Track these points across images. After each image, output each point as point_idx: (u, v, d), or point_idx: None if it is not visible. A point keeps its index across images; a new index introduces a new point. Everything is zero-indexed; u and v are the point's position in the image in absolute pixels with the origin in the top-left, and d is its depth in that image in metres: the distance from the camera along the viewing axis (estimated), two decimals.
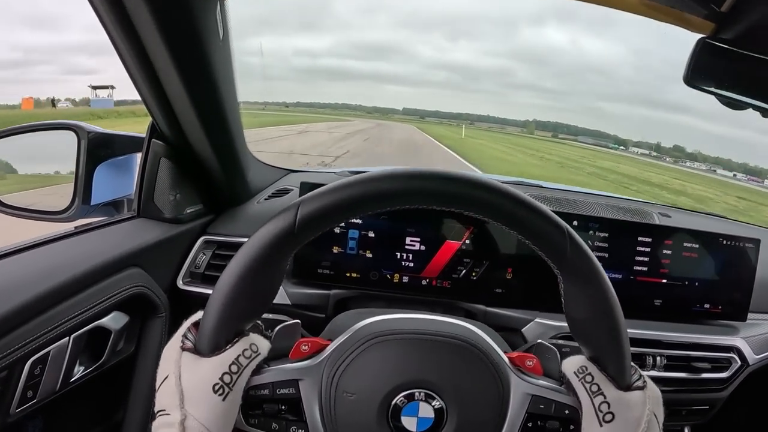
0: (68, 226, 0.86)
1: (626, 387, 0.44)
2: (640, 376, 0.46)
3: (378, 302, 0.84)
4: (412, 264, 0.83)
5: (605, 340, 0.44)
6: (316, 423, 0.45)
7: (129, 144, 0.91)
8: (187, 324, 0.46)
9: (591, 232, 0.82)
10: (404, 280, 0.84)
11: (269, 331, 0.49)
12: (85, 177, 0.86)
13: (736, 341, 0.81)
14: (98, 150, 0.87)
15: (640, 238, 0.82)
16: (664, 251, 0.82)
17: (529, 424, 0.46)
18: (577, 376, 0.45)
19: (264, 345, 0.46)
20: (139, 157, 0.94)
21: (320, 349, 0.48)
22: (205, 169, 0.85)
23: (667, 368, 0.79)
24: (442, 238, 0.83)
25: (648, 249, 0.82)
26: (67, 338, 0.64)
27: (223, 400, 0.41)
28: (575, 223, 0.81)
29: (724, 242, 0.81)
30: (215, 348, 0.42)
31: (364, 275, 0.84)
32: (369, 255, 0.84)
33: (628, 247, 0.82)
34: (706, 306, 0.83)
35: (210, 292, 0.82)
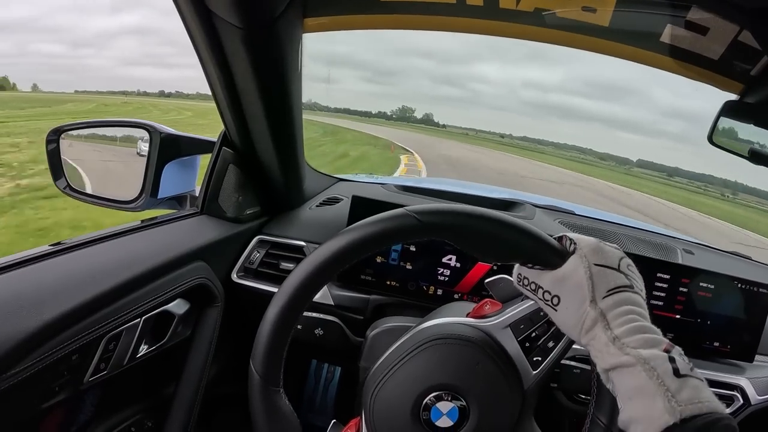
0: (135, 215, 0.95)
1: (555, 264, 0.46)
2: (571, 241, 0.47)
3: (412, 310, 0.91)
4: (447, 278, 0.91)
5: (516, 244, 0.47)
6: None
7: (193, 145, 0.99)
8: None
9: None
10: (438, 293, 0.91)
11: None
12: (155, 173, 0.94)
13: (741, 380, 0.84)
14: (167, 149, 0.95)
15: (659, 274, 0.87)
16: (681, 288, 0.87)
17: (527, 344, 0.54)
18: (520, 285, 0.50)
19: None
20: (200, 158, 1.03)
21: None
22: (266, 175, 0.93)
23: None
24: (475, 258, 0.90)
25: (666, 285, 0.87)
26: (139, 320, 0.72)
27: None
28: None
29: (740, 286, 0.85)
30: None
31: (403, 285, 0.92)
32: (409, 267, 0.91)
33: (646, 281, 0.88)
34: (716, 344, 0.87)
35: (261, 286, 0.91)
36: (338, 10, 0.72)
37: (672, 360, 0.38)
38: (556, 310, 0.46)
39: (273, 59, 0.68)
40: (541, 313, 0.53)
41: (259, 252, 0.96)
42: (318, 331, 0.85)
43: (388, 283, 0.92)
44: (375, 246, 0.46)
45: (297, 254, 0.95)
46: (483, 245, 0.48)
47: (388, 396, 0.55)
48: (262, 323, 0.48)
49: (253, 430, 0.49)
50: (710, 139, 0.76)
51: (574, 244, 0.47)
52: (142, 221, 0.87)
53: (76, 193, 0.98)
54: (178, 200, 1.01)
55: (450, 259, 0.90)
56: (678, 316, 0.88)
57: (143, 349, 0.76)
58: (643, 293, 0.45)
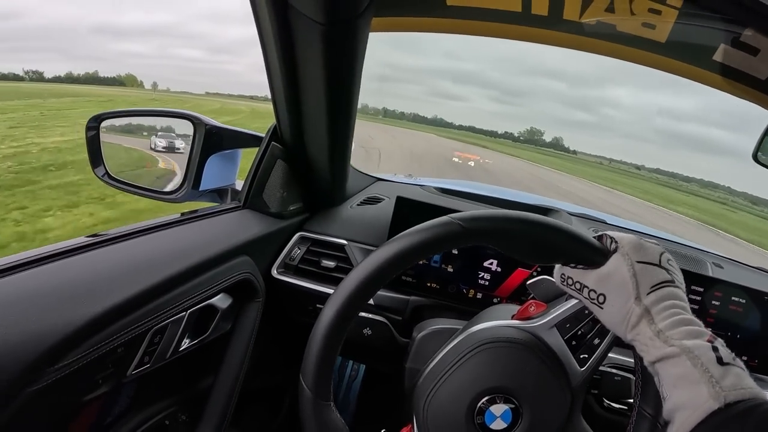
0: (175, 207, 0.94)
1: (598, 263, 0.47)
2: (611, 239, 0.48)
3: (450, 313, 0.92)
4: (487, 283, 0.92)
5: (553, 246, 0.49)
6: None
7: (236, 139, 0.99)
8: None
9: None
10: (478, 296, 0.92)
11: None
12: (198, 164, 0.94)
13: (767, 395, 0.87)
14: (211, 141, 0.95)
15: (692, 287, 0.89)
16: (713, 302, 0.89)
17: (573, 343, 0.55)
18: (564, 285, 0.51)
19: None
20: (241, 152, 1.03)
21: None
22: (312, 172, 0.93)
23: None
24: (516, 263, 0.91)
25: (698, 298, 0.89)
26: (185, 313, 0.71)
27: None
28: None
29: None
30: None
31: (443, 287, 0.93)
32: (450, 269, 0.92)
33: None
34: (744, 358, 0.89)
35: (302, 283, 0.91)
36: (406, 11, 0.73)
37: (715, 349, 0.40)
38: (602, 308, 0.47)
39: (345, 56, 0.68)
40: (586, 311, 0.54)
41: (300, 249, 0.96)
42: (366, 331, 0.85)
43: (429, 285, 0.93)
44: (418, 256, 0.47)
45: (338, 252, 0.95)
46: (526, 248, 0.49)
47: (441, 402, 0.56)
48: (313, 334, 0.47)
49: None
50: (755, 157, 0.79)
51: (615, 242, 0.48)
52: (182, 214, 0.87)
53: (114, 181, 0.97)
54: (218, 193, 1.01)
55: (491, 264, 0.91)
56: (709, 329, 0.89)
57: (185, 342, 0.76)
58: (683, 286, 0.47)
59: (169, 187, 0.96)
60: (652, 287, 0.45)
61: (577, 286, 0.49)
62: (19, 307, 0.49)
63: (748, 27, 0.69)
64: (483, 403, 0.54)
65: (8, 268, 0.54)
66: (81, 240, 0.66)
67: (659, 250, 0.48)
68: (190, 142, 0.94)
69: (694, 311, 0.44)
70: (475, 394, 0.55)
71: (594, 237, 0.50)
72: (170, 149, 1.20)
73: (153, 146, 1.21)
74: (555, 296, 0.59)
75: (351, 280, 0.47)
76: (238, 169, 1.03)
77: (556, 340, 0.56)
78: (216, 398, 0.88)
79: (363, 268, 0.47)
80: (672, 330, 0.42)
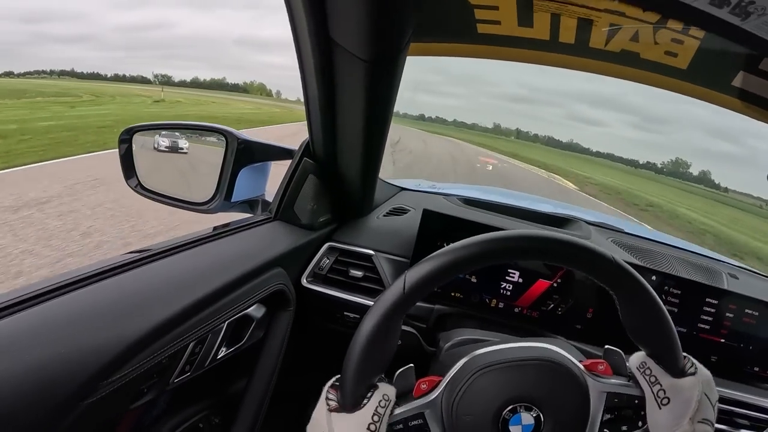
0: (207, 218, 0.98)
1: (679, 374, 0.55)
2: (693, 364, 0.56)
3: (473, 321, 0.96)
4: (509, 293, 0.96)
5: (658, 339, 0.56)
6: None
7: (267, 152, 1.02)
8: (326, 388, 0.55)
9: (666, 287, 0.94)
10: (500, 306, 0.96)
11: (388, 378, 0.59)
12: (230, 177, 0.97)
13: None
14: (243, 154, 0.98)
15: (707, 299, 0.93)
16: (727, 314, 0.92)
17: (608, 416, 0.58)
18: (639, 371, 0.57)
19: (391, 391, 0.55)
20: (271, 164, 1.06)
21: (435, 385, 0.59)
22: (343, 185, 0.97)
23: None
24: (537, 274, 0.95)
25: (713, 310, 0.92)
26: (224, 324, 0.75)
27: None
28: (653, 278, 0.94)
29: None
30: (356, 403, 0.52)
31: (467, 296, 0.97)
32: (474, 280, 0.96)
33: (696, 305, 0.93)
34: (756, 369, 0.91)
35: (330, 292, 0.94)
36: (439, 38, 0.76)
37: None
38: (660, 408, 0.54)
39: (385, 87, 0.71)
40: (636, 402, 0.57)
41: (328, 258, 0.99)
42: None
43: (453, 294, 0.97)
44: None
45: (366, 262, 0.99)
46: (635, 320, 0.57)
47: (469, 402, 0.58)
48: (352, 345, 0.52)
49: None
50: None
51: (696, 368, 0.56)
52: (215, 228, 0.90)
53: (147, 192, 1.00)
54: (249, 204, 1.04)
55: (513, 275, 0.95)
56: (723, 340, 0.93)
57: (222, 351, 0.79)
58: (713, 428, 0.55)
59: (202, 198, 0.99)
60: (704, 419, 0.53)
61: (653, 380, 0.56)
62: (74, 325, 0.52)
63: (766, 57, 0.73)
64: (506, 414, 0.56)
65: (59, 287, 0.57)
66: (124, 258, 0.69)
67: (716, 396, 0.56)
68: (222, 155, 0.97)
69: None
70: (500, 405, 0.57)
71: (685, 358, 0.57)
72: (173, 149, 1.21)
73: (156, 146, 1.19)
74: (619, 372, 0.61)
75: (364, 321, 0.52)
76: (267, 180, 1.06)
77: (597, 404, 0.58)
78: (248, 402, 0.92)
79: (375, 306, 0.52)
80: None
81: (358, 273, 0.98)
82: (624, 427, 0.58)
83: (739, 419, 0.90)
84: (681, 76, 0.81)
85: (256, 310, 0.87)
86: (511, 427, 0.57)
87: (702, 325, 0.93)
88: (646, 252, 1.11)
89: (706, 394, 0.54)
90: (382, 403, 0.52)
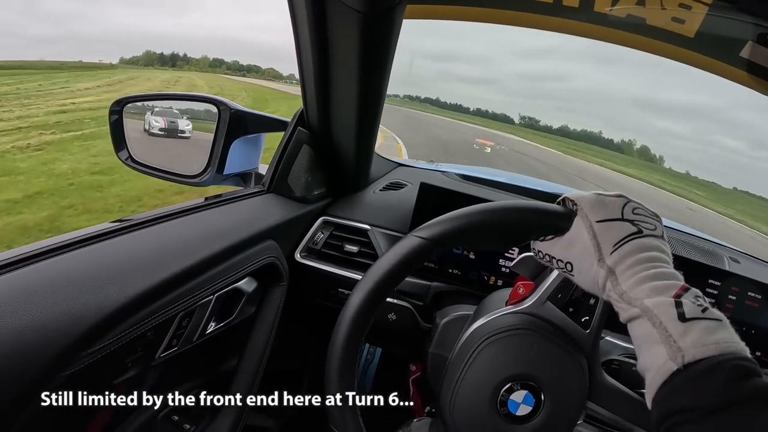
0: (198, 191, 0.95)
1: (566, 229, 0.47)
2: (572, 202, 0.47)
3: (471, 299, 0.93)
4: (508, 270, 0.93)
5: (522, 224, 0.49)
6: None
7: (261, 123, 0.99)
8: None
9: None
10: (499, 283, 0.94)
11: None
12: (223, 148, 0.94)
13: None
14: (236, 125, 0.95)
15: (710, 281, 0.90)
16: (729, 296, 0.90)
17: (571, 309, 0.57)
18: (540, 260, 0.51)
19: None
20: (265, 136, 1.03)
21: None
22: (338, 157, 0.94)
23: None
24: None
25: (716, 291, 0.90)
26: (212, 297, 0.72)
27: None
28: None
29: None
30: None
31: (464, 273, 0.94)
32: (471, 256, 0.94)
33: (698, 286, 0.91)
34: (757, 353, 0.89)
35: (325, 267, 0.91)
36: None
37: (679, 305, 0.37)
38: (573, 276, 0.47)
39: (380, 44, 0.69)
40: (565, 287, 0.56)
41: (323, 233, 0.97)
42: (391, 316, 0.86)
43: (450, 271, 0.94)
44: (380, 299, 0.49)
45: (361, 237, 0.96)
46: (495, 237, 0.51)
47: (464, 404, 0.57)
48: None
49: None
50: None
51: (575, 204, 0.46)
52: (206, 199, 0.87)
53: (138, 165, 0.98)
54: (242, 177, 1.01)
55: (512, 252, 0.93)
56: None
57: (212, 326, 0.77)
58: (657, 230, 0.45)
59: (193, 171, 0.96)
60: (615, 245, 0.42)
61: (547, 258, 0.49)
62: (52, 293, 0.49)
63: None
64: (503, 395, 0.56)
65: (38, 254, 0.54)
66: (107, 225, 0.66)
67: (621, 202, 0.45)
68: (215, 127, 0.94)
69: (711, 305, 0.40)
70: (492, 389, 0.56)
71: (557, 201, 0.49)
72: (171, 132, 1.08)
73: (147, 127, 1.05)
74: (540, 271, 0.60)
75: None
76: (261, 153, 1.03)
77: (553, 313, 0.57)
78: (240, 380, 0.89)
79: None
80: (636, 288, 0.40)
81: (354, 248, 0.95)
82: (591, 300, 0.57)
83: None
84: (687, 44, 0.78)
85: (247, 284, 0.84)
86: (516, 413, 0.56)
87: None
88: None
89: (600, 221, 0.44)
90: None
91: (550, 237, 0.48)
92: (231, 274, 0.75)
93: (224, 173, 0.96)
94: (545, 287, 0.58)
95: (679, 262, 0.90)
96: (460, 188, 1.00)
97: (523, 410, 0.55)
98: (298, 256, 0.95)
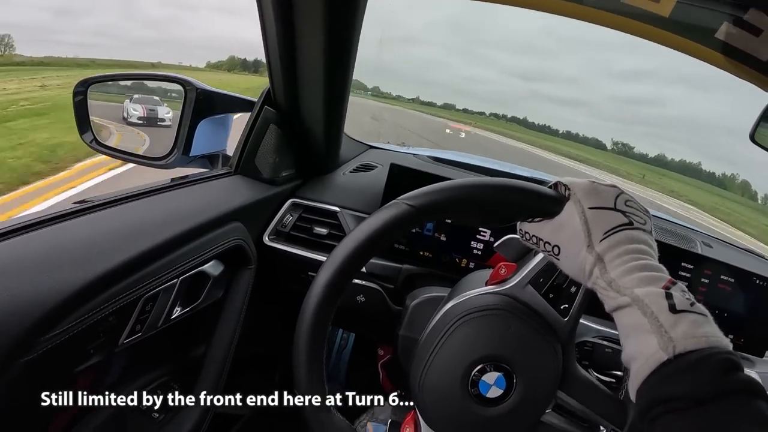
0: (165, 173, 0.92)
1: (555, 213, 0.46)
2: (565, 186, 0.47)
3: (443, 282, 0.92)
4: (480, 253, 0.92)
5: (511, 203, 0.48)
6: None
7: (229, 103, 0.97)
8: None
9: None
10: (471, 266, 0.93)
11: None
12: (189, 129, 0.91)
13: (751, 374, 0.87)
14: (202, 106, 0.92)
15: (683, 264, 0.90)
16: (702, 279, 0.89)
17: (551, 295, 0.56)
18: (526, 242, 0.51)
19: None
20: (233, 117, 1.00)
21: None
22: (306, 137, 0.92)
23: None
24: (508, 232, 0.92)
25: (688, 275, 0.90)
26: (176, 281, 0.70)
27: None
28: None
29: (758, 282, 0.88)
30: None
31: (436, 256, 0.93)
32: (443, 238, 0.92)
33: (670, 269, 0.90)
34: (730, 336, 0.86)
35: (294, 250, 0.90)
36: None
37: (669, 296, 0.38)
38: (558, 260, 0.47)
39: (346, 17, 0.66)
40: (548, 270, 0.55)
41: (292, 215, 0.95)
42: (360, 298, 0.85)
43: (422, 253, 0.93)
44: (370, 250, 0.47)
45: (331, 219, 0.95)
46: (482, 213, 0.49)
47: (434, 382, 0.56)
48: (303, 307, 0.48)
49: None
50: (752, 138, 0.79)
51: (569, 189, 0.46)
52: (173, 179, 0.85)
53: (103, 147, 0.95)
54: (209, 159, 0.99)
55: (484, 234, 0.92)
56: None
57: (177, 310, 0.76)
58: (647, 225, 0.45)
59: (158, 153, 0.93)
60: (605, 233, 0.43)
61: (534, 240, 0.49)
62: (6, 276, 0.48)
63: (752, 7, 0.69)
64: (475, 375, 0.54)
65: None
66: (69, 207, 0.64)
67: (614, 192, 0.46)
68: (181, 107, 0.91)
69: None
70: (464, 368, 0.55)
71: (549, 185, 0.49)
72: (150, 121, 1.05)
73: (126, 116, 1.03)
74: (523, 254, 0.60)
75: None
76: (229, 134, 1.01)
77: (533, 297, 0.56)
78: (208, 367, 0.87)
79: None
80: (625, 277, 0.40)
81: (323, 230, 0.94)
82: (572, 288, 0.55)
83: None
84: (662, 24, 0.76)
85: (213, 268, 0.82)
86: (486, 394, 0.55)
87: None
88: None
89: (592, 207, 0.44)
90: None
91: (538, 219, 0.48)
92: (195, 256, 0.73)
93: (190, 155, 0.93)
94: (527, 270, 0.57)
95: None
96: (430, 169, 0.98)
97: (494, 392, 0.54)
98: (266, 239, 0.93)
